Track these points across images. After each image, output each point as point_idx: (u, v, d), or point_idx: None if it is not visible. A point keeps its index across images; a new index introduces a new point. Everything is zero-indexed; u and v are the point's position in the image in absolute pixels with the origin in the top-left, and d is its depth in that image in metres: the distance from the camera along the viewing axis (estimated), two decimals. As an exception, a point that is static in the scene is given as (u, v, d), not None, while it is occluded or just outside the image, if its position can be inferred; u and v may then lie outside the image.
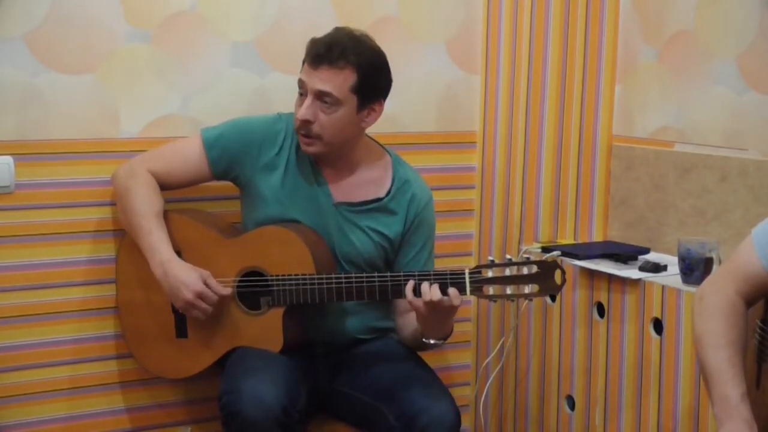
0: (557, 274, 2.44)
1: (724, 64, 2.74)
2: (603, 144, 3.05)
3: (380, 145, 2.74)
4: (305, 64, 2.54)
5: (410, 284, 2.43)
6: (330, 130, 2.54)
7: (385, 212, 2.67)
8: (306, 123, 2.53)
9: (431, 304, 2.40)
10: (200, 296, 2.51)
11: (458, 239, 3.17)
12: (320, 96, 2.51)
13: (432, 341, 2.54)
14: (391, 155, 2.73)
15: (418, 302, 2.41)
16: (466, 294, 2.44)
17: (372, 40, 2.59)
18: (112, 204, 2.73)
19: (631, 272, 2.66)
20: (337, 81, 2.50)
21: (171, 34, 2.77)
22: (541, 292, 2.45)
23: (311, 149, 2.58)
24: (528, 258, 2.48)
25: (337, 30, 2.57)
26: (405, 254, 2.69)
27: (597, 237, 3.08)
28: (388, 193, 2.67)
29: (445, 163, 3.14)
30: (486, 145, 3.16)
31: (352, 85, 2.51)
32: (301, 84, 2.55)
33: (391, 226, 2.67)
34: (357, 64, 2.51)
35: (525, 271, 2.43)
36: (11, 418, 2.71)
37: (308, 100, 2.52)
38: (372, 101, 2.58)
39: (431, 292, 2.39)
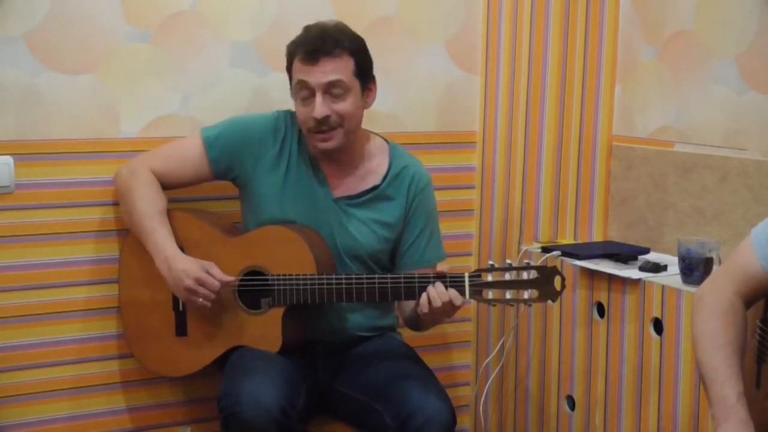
0: (557, 280, 2.44)
1: (724, 64, 2.74)
2: (603, 144, 3.05)
3: (376, 134, 2.74)
4: (298, 64, 2.54)
5: (424, 296, 2.45)
6: (348, 116, 2.55)
7: (383, 200, 2.67)
8: (325, 119, 2.54)
9: (438, 306, 2.44)
10: (200, 282, 2.51)
11: (458, 239, 3.17)
12: (329, 88, 2.52)
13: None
14: (388, 143, 2.73)
15: (425, 308, 2.45)
16: (465, 297, 2.44)
17: (347, 26, 2.61)
18: (113, 204, 2.74)
19: (631, 272, 2.66)
20: (341, 68, 2.52)
21: (171, 34, 2.77)
22: (540, 298, 2.44)
23: (331, 144, 2.58)
24: (528, 262, 2.48)
25: (309, 28, 2.57)
26: (406, 240, 2.69)
27: (597, 237, 3.08)
28: (384, 178, 2.67)
29: (445, 163, 3.14)
30: (486, 145, 3.16)
31: (353, 69, 2.55)
32: (304, 84, 2.54)
33: (392, 212, 2.67)
34: (351, 50, 2.54)
35: (525, 276, 2.43)
36: (14, 418, 2.71)
37: (319, 97, 2.52)
38: (368, 81, 2.61)
39: (439, 296, 2.43)
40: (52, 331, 2.74)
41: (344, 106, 2.54)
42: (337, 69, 2.52)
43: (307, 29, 2.58)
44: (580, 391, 2.85)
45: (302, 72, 2.54)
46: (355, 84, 2.56)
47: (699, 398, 2.47)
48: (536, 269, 2.44)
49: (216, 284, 2.52)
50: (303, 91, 2.55)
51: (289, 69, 2.58)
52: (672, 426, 2.55)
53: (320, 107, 2.52)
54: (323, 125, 2.55)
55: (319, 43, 2.52)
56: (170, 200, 2.67)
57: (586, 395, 2.83)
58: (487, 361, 3.15)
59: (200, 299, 2.52)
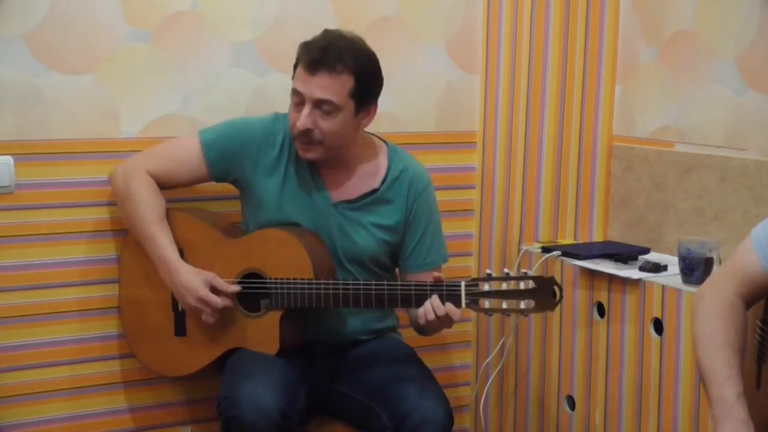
0: (554, 290, 2.43)
1: (724, 64, 2.73)
2: (603, 144, 3.05)
3: (375, 136, 2.73)
4: (299, 70, 2.52)
5: (422, 309, 2.45)
6: (331, 135, 2.53)
7: (383, 203, 2.66)
8: (307, 131, 2.53)
9: (433, 319, 2.44)
10: (202, 301, 2.52)
11: (458, 239, 3.17)
12: (319, 104, 2.50)
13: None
14: (387, 144, 2.72)
15: (423, 317, 2.46)
16: (461, 307, 2.43)
17: (363, 42, 2.57)
18: (112, 204, 2.73)
19: (631, 272, 2.66)
20: (336, 87, 2.48)
21: (171, 34, 2.77)
22: (537, 308, 2.42)
23: (310, 155, 2.57)
24: (525, 272, 2.46)
25: (328, 32, 2.54)
26: (408, 244, 2.68)
27: (597, 237, 3.08)
28: (383, 182, 2.66)
29: (445, 163, 3.14)
30: (486, 145, 3.16)
31: (350, 89, 2.50)
32: (297, 93, 2.53)
33: (391, 215, 2.66)
34: (354, 69, 2.49)
35: (522, 286, 2.41)
36: (12, 418, 2.71)
37: (306, 109, 2.50)
38: (368, 104, 2.57)
39: (435, 309, 2.43)
40: (53, 331, 2.74)
41: (330, 124, 2.51)
42: (331, 86, 2.48)
43: (325, 35, 2.53)
44: (580, 391, 2.85)
45: (300, 79, 2.52)
46: (349, 104, 2.51)
47: (699, 398, 2.47)
48: (533, 279, 2.41)
49: (218, 303, 2.52)
50: (296, 97, 2.53)
51: (295, 68, 2.57)
52: (672, 426, 2.55)
53: (304, 119, 2.50)
54: (304, 137, 2.54)
55: (323, 55, 2.47)
56: (169, 200, 2.67)
57: (586, 395, 2.83)
58: (487, 361, 3.15)
59: (205, 315, 2.54)
